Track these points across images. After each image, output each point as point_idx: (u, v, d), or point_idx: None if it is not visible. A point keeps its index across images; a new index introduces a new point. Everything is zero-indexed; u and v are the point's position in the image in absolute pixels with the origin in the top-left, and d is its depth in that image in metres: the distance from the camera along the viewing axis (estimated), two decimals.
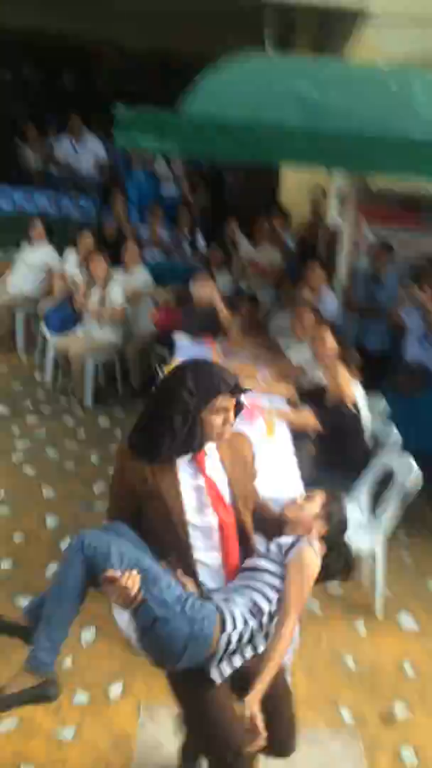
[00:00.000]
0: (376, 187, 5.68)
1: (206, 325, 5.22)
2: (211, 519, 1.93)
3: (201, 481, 1.94)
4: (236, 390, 1.94)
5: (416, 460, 3.34)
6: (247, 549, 2.03)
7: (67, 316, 6.03)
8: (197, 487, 1.93)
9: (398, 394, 4.45)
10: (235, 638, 1.81)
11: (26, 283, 6.77)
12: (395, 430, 3.79)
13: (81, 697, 2.73)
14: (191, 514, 1.91)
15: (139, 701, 2.73)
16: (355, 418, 3.70)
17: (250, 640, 1.85)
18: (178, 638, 1.76)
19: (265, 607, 1.86)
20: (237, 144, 3.47)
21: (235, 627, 1.80)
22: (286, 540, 2.02)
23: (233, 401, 1.96)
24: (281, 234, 7.05)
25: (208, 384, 1.91)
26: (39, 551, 3.63)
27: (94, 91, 10.31)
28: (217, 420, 1.92)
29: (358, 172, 5.22)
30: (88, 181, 8.50)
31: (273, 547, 2.02)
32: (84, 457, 4.75)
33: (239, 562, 2.00)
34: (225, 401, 1.92)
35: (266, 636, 1.89)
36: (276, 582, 1.91)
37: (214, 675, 1.84)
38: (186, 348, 4.92)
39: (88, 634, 3.06)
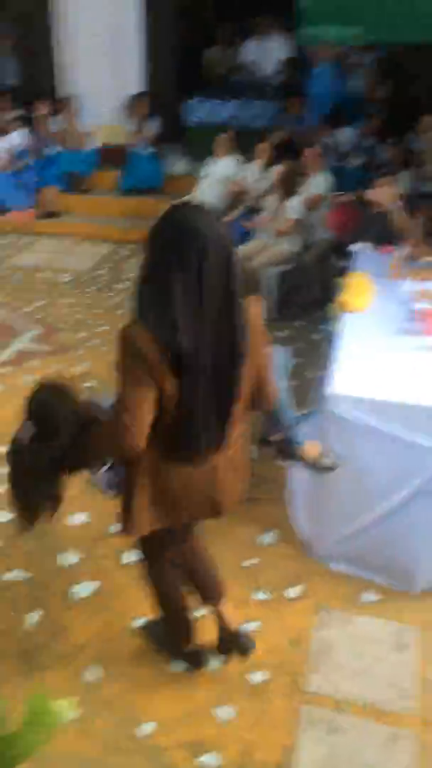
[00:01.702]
0: None
1: (384, 232, 5.02)
2: None
3: None
4: None
5: None
6: None
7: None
8: None
9: None
10: None
11: (211, 197, 6.86)
12: None
13: (261, 595, 2.95)
14: None
15: (316, 604, 2.91)
16: None
17: None
18: None
19: None
20: None
21: None
22: None
23: None
24: None
25: None
26: None
27: None
28: None
29: None
30: (270, 85, 8.32)
31: None
32: None
33: None
34: None
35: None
36: None
37: None
38: (365, 257, 4.79)
39: (269, 537, 3.28)
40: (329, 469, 2.79)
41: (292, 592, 2.97)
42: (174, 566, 2.44)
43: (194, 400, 1.87)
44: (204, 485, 2.10)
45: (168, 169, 8.28)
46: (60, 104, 8.43)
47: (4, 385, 4.62)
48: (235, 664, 2.63)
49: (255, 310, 1.96)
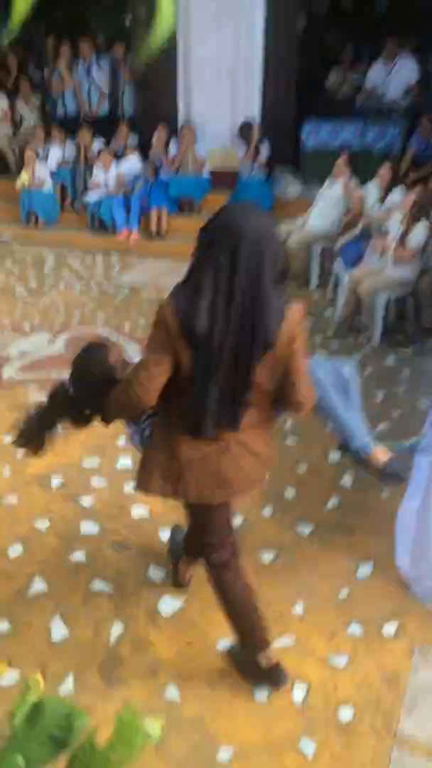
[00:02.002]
0: None
1: None
2: None
3: None
4: None
5: None
6: None
7: (363, 250, 5.95)
8: None
9: None
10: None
11: (325, 219, 6.80)
12: None
13: (355, 628, 2.78)
14: None
15: (412, 643, 2.71)
16: None
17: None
18: None
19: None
20: None
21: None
22: None
23: None
24: None
25: None
26: (321, 484, 3.73)
27: (407, 11, 9.81)
28: None
29: None
30: (395, 108, 8.20)
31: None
32: (369, 394, 4.72)
33: None
34: None
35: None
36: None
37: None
38: None
39: (365, 569, 3.10)
40: (395, 478, 2.75)
41: (388, 629, 2.79)
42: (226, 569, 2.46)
43: (206, 377, 2.03)
44: (212, 461, 2.20)
45: (281, 192, 8.28)
46: (183, 129, 8.62)
47: None
48: (323, 697, 2.48)
49: (294, 315, 2.04)
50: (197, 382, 2.05)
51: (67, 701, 1.86)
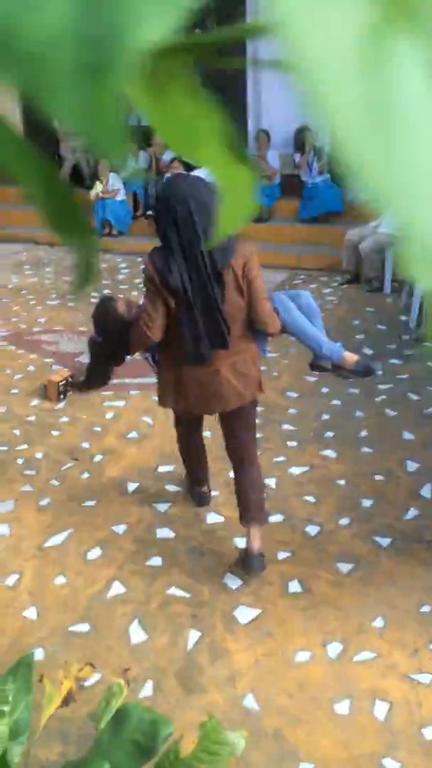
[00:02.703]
0: None
1: None
2: None
3: None
4: None
5: None
6: None
7: None
8: None
9: None
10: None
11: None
12: None
13: None
14: None
15: None
16: None
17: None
18: None
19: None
20: None
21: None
22: None
23: None
24: None
25: None
26: (398, 493, 3.65)
27: None
28: None
29: None
30: None
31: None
32: None
33: None
34: None
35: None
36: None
37: None
38: None
39: None
40: (367, 372, 3.04)
41: None
42: (194, 443, 3.40)
43: (191, 315, 2.61)
44: (209, 382, 2.78)
45: (353, 197, 8.19)
46: (259, 134, 8.62)
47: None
48: (406, 715, 2.41)
49: (246, 247, 2.62)
50: (185, 320, 2.63)
51: (151, 708, 1.86)
